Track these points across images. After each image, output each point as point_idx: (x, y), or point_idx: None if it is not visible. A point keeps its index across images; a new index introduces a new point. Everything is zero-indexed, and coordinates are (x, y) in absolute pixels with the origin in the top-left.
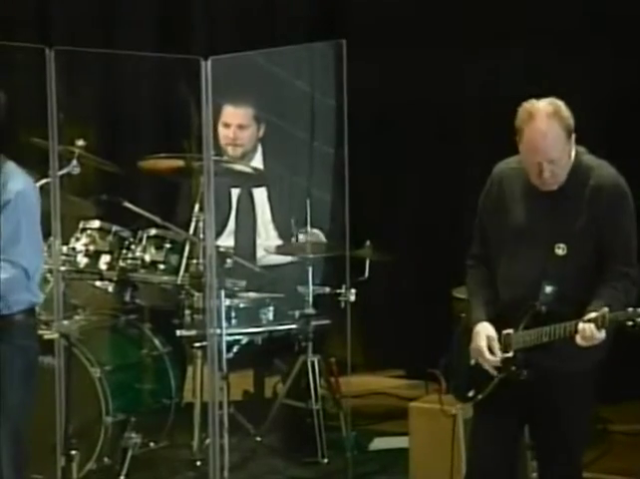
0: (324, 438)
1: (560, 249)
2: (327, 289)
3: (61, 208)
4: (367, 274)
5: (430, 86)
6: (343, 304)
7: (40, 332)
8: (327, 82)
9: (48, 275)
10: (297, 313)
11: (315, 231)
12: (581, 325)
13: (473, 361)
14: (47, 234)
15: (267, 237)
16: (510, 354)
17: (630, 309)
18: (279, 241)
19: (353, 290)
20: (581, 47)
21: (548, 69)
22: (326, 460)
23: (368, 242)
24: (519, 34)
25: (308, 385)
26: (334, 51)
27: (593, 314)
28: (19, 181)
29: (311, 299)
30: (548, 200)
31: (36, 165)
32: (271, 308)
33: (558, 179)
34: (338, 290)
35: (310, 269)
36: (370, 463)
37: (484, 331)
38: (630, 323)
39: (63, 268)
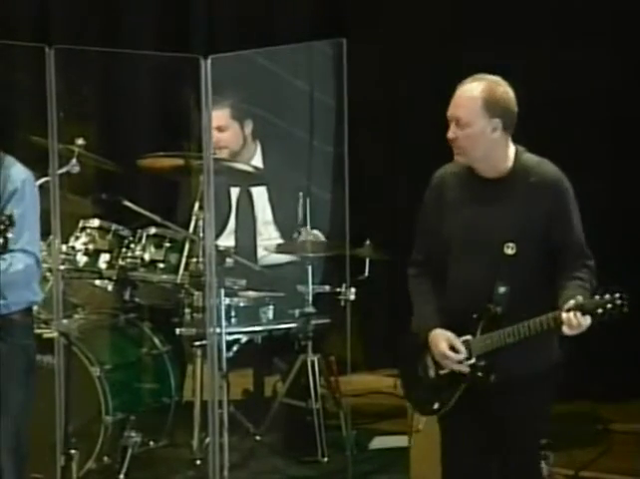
0: (324, 437)
1: (510, 249)
2: (327, 288)
3: (60, 206)
4: (367, 273)
5: (431, 84)
6: (343, 303)
7: (39, 331)
8: (327, 81)
9: (47, 274)
10: (297, 312)
11: (315, 231)
12: (565, 315)
13: (432, 373)
14: (46, 232)
15: (268, 236)
16: (473, 361)
17: (597, 297)
18: (280, 241)
19: (353, 289)
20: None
21: (549, 65)
22: (326, 459)
23: (368, 241)
24: (521, 29)
25: (308, 384)
26: (334, 50)
27: (572, 302)
28: (21, 170)
29: (311, 298)
30: (492, 199)
31: (35, 163)
32: (271, 307)
33: (464, 151)
34: (338, 289)
35: (310, 269)
36: (370, 462)
37: (442, 336)
38: (600, 311)
39: (62, 267)
